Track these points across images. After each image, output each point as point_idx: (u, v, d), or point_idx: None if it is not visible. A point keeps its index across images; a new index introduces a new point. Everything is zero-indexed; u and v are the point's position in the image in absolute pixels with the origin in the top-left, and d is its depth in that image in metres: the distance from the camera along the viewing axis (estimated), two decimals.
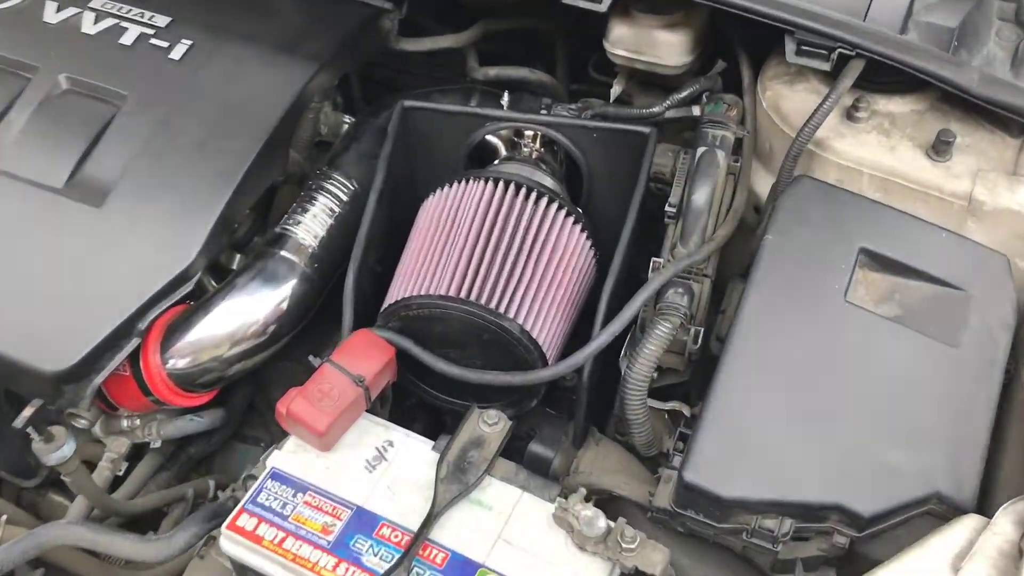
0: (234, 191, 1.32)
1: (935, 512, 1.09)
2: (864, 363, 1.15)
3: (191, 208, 1.31)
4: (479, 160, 1.54)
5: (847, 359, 1.16)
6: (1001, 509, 1.02)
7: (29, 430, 1.24)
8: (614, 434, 1.39)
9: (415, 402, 1.44)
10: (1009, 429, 1.17)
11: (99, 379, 1.25)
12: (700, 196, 1.28)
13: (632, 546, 1.07)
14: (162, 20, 1.50)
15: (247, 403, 1.60)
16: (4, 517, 1.36)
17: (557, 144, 1.49)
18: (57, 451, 1.26)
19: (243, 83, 1.42)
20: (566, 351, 1.31)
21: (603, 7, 1.38)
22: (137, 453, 1.51)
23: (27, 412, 1.23)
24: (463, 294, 1.23)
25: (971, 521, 1.04)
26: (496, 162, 1.51)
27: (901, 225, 1.25)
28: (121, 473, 1.48)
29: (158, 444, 1.47)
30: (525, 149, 1.51)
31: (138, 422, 1.45)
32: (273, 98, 1.40)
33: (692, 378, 1.34)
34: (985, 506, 1.09)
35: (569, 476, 1.31)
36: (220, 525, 1.21)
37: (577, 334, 1.36)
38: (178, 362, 1.32)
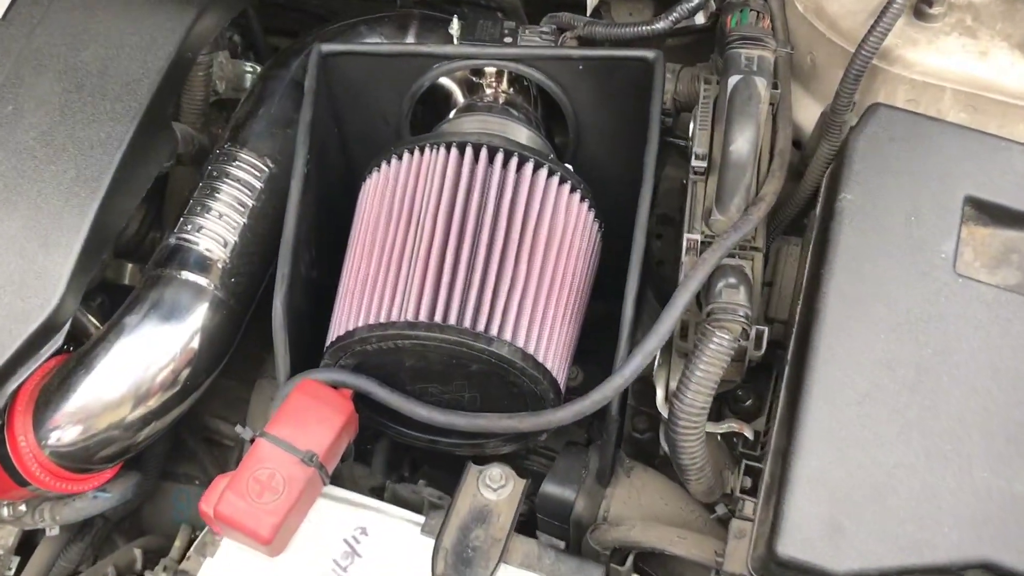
0: (103, 197, 0.96)
1: None
2: (995, 360, 0.85)
3: (46, 229, 0.94)
4: (430, 113, 1.18)
5: (972, 355, 0.85)
6: None
7: None
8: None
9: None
10: None
11: None
12: (743, 143, 0.94)
13: None
14: None
15: (168, 448, 1.26)
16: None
17: (531, 82, 1.14)
18: None
19: (97, 42, 1.03)
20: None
21: None
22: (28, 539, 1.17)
23: None
24: (438, 316, 0.89)
25: None
26: (452, 115, 1.15)
27: (1016, 160, 0.93)
28: (12, 571, 1.14)
29: (55, 532, 1.13)
30: (488, 92, 1.16)
31: (23, 508, 1.11)
32: (143, 57, 1.02)
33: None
34: None
35: (599, 528, 1.00)
36: None
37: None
38: (62, 435, 0.98)
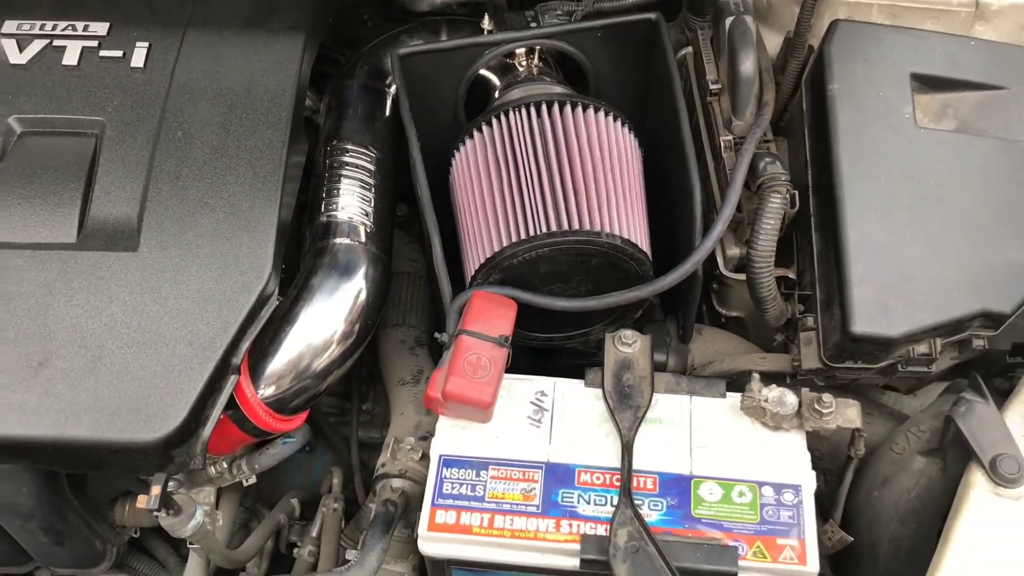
0: (281, 188, 1.20)
1: None
2: (957, 178, 1.22)
3: (245, 219, 1.18)
4: (472, 97, 1.47)
5: (942, 178, 1.21)
6: None
7: (157, 510, 1.11)
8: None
9: None
10: None
11: (208, 430, 1.13)
12: (748, 65, 1.28)
13: (831, 410, 1.10)
14: (100, 27, 1.31)
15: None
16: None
17: (553, 55, 1.44)
18: (192, 521, 1.14)
19: (234, 71, 1.27)
20: None
21: None
22: None
23: (155, 491, 1.09)
24: (565, 226, 1.19)
25: None
26: (499, 92, 1.44)
27: (935, 44, 1.30)
28: (220, 523, 1.36)
29: (253, 480, 1.35)
30: (522, 68, 1.45)
31: (224, 466, 1.33)
32: (276, 76, 1.26)
33: None
34: None
35: (696, 370, 1.32)
36: (392, 532, 1.15)
37: None
38: (268, 389, 1.21)
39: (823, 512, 1.19)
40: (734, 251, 1.30)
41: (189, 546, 1.26)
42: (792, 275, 1.30)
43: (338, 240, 1.26)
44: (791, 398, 1.10)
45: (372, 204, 1.31)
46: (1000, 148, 1.24)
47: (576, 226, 1.19)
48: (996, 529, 1.03)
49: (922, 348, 1.17)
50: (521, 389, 1.18)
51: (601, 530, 1.06)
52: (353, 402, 1.58)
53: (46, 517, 1.25)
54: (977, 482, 1.05)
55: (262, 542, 1.38)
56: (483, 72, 1.46)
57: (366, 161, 1.34)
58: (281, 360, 1.21)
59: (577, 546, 1.06)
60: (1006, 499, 1.03)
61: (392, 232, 1.35)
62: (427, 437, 1.27)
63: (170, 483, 1.15)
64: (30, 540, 1.27)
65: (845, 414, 1.10)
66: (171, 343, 1.12)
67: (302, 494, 1.55)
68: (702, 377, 1.20)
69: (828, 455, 1.27)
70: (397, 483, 1.24)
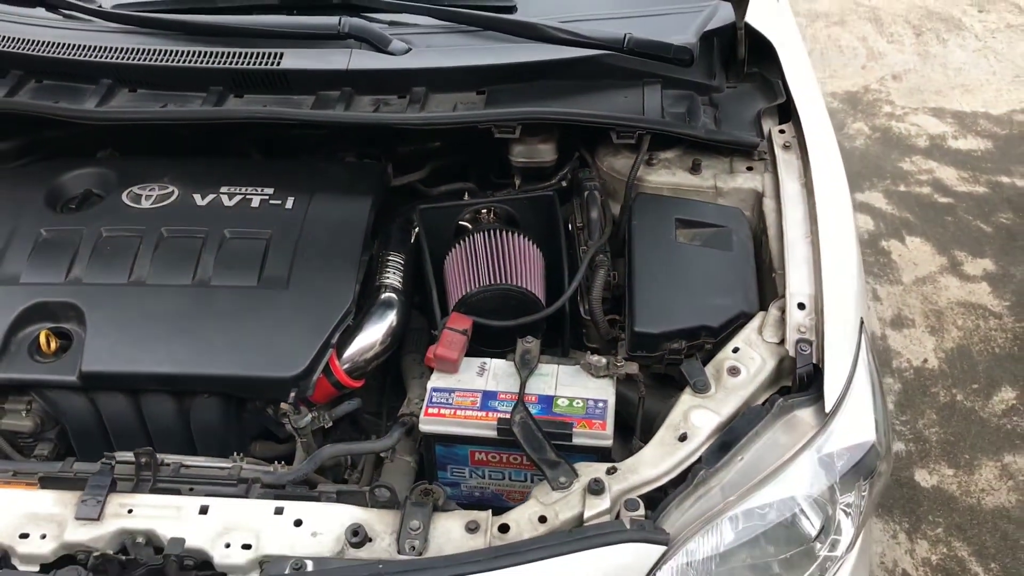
0: (358, 263, 2.43)
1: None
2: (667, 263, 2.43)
3: (341, 276, 2.40)
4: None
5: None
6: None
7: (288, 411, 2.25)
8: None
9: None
10: (765, 281, 2.47)
11: (315, 376, 2.29)
12: (594, 213, 2.55)
13: (622, 363, 2.26)
14: (269, 190, 2.60)
15: None
16: None
17: (499, 211, 2.72)
18: (306, 417, 2.27)
19: (336, 210, 2.55)
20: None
21: (516, 135, 2.64)
22: None
23: (291, 397, 2.23)
24: (496, 282, 2.41)
25: (756, 319, 2.32)
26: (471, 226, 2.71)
27: (690, 205, 2.56)
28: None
29: (330, 424, 2.48)
30: (484, 214, 2.72)
31: (316, 414, 2.47)
32: (359, 212, 2.53)
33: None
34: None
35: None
36: (406, 432, 2.28)
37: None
38: (345, 364, 2.38)
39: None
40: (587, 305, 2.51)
41: (299, 438, 2.35)
42: (617, 317, 2.49)
43: (386, 294, 2.48)
44: (602, 360, 2.27)
45: (401, 279, 2.53)
46: (722, 256, 2.46)
47: (504, 282, 2.41)
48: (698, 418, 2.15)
49: (674, 346, 2.33)
50: (473, 362, 2.34)
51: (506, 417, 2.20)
52: (385, 397, 2.71)
53: (223, 436, 2.37)
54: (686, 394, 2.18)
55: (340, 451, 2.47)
56: (462, 223, 2.73)
57: (399, 260, 2.58)
58: (353, 348, 2.38)
59: (495, 423, 2.19)
60: (699, 399, 2.16)
61: (412, 295, 2.55)
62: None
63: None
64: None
65: (628, 367, 2.26)
66: (305, 329, 2.31)
67: None
68: (567, 359, 2.36)
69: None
70: (407, 419, 2.38)
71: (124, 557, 1.91)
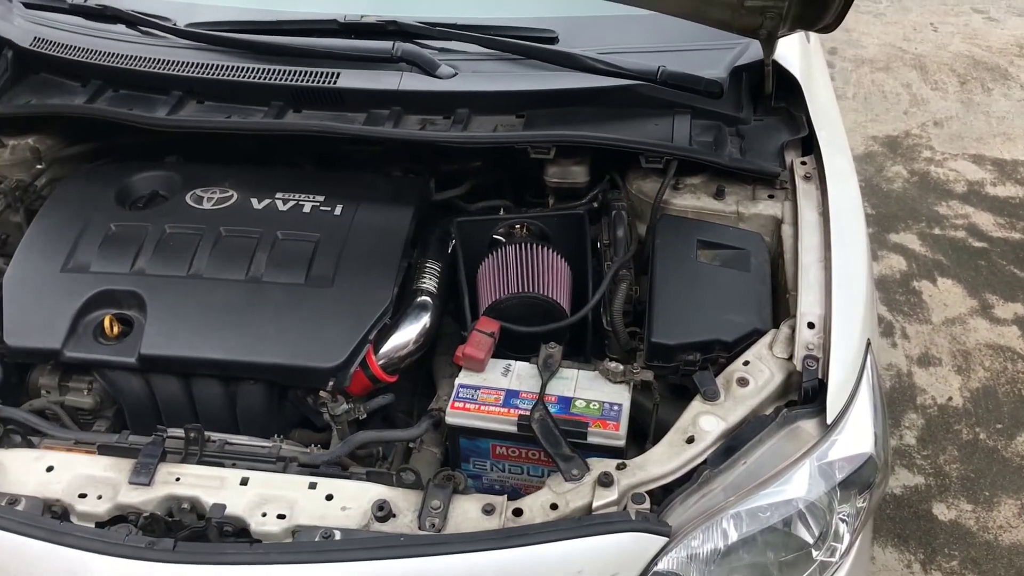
0: (398, 267, 2.62)
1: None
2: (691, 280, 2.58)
3: (381, 273, 2.59)
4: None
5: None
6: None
7: (326, 399, 2.43)
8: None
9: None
10: (779, 302, 2.61)
11: (353, 367, 2.47)
12: (621, 231, 2.71)
13: (638, 370, 2.41)
14: (320, 197, 2.80)
15: None
16: None
17: (531, 226, 2.89)
18: (342, 406, 2.45)
19: (380, 218, 2.74)
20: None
21: (551, 156, 2.82)
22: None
23: (329, 386, 2.42)
24: (524, 289, 2.58)
25: (768, 335, 2.45)
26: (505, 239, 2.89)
27: (712, 228, 2.72)
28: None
29: (364, 416, 2.65)
30: (516, 233, 2.90)
31: (352, 406, 2.64)
32: (399, 222, 2.73)
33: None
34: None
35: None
36: (434, 425, 2.45)
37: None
38: (381, 360, 2.56)
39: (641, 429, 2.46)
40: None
41: (335, 426, 2.53)
42: (637, 330, 2.64)
43: (422, 297, 2.66)
44: (620, 367, 2.42)
45: (437, 285, 2.71)
46: (735, 276, 2.60)
47: (532, 291, 2.58)
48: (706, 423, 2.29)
49: (689, 357, 2.47)
50: (499, 363, 2.51)
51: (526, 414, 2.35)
52: (416, 397, 2.88)
53: (265, 420, 2.56)
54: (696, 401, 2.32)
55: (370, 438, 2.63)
56: (497, 236, 2.91)
57: (436, 267, 2.76)
58: (389, 344, 2.56)
59: (516, 419, 2.35)
60: (708, 405, 2.29)
61: (446, 301, 2.73)
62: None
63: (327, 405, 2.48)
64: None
65: (644, 375, 2.41)
66: (345, 325, 2.49)
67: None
68: (587, 365, 2.52)
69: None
70: (435, 413, 2.54)
71: (170, 519, 2.10)
